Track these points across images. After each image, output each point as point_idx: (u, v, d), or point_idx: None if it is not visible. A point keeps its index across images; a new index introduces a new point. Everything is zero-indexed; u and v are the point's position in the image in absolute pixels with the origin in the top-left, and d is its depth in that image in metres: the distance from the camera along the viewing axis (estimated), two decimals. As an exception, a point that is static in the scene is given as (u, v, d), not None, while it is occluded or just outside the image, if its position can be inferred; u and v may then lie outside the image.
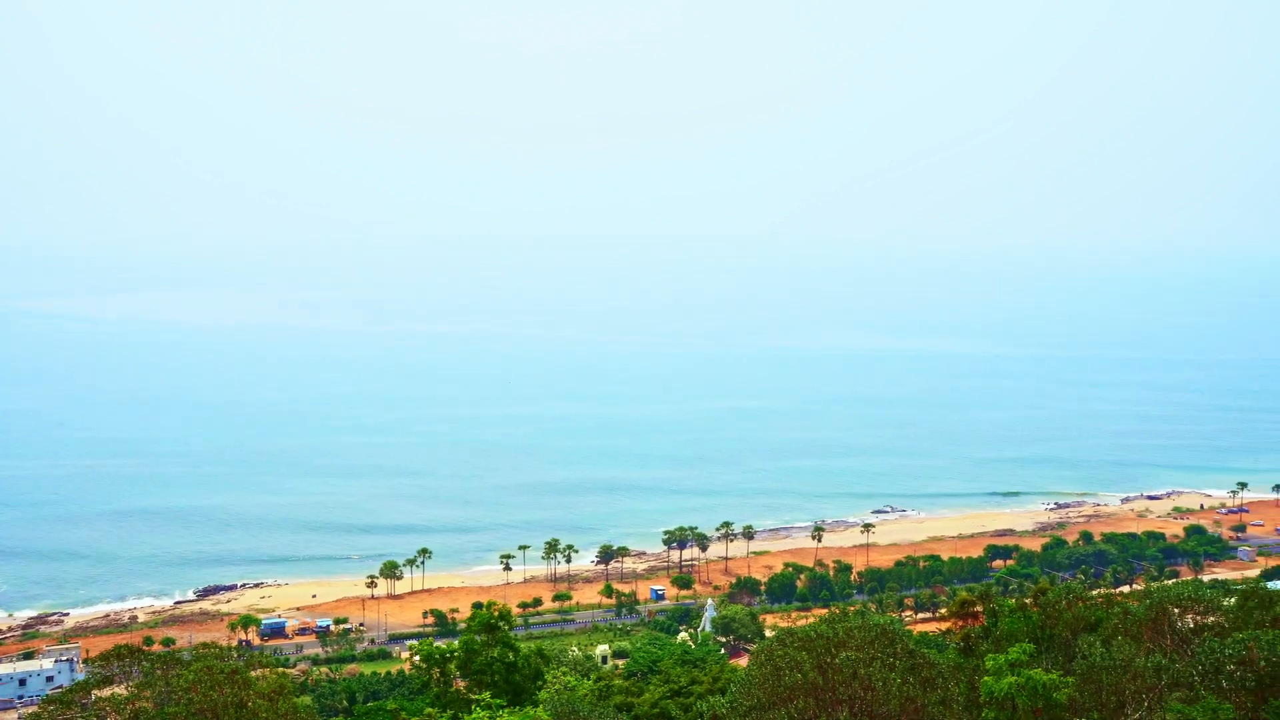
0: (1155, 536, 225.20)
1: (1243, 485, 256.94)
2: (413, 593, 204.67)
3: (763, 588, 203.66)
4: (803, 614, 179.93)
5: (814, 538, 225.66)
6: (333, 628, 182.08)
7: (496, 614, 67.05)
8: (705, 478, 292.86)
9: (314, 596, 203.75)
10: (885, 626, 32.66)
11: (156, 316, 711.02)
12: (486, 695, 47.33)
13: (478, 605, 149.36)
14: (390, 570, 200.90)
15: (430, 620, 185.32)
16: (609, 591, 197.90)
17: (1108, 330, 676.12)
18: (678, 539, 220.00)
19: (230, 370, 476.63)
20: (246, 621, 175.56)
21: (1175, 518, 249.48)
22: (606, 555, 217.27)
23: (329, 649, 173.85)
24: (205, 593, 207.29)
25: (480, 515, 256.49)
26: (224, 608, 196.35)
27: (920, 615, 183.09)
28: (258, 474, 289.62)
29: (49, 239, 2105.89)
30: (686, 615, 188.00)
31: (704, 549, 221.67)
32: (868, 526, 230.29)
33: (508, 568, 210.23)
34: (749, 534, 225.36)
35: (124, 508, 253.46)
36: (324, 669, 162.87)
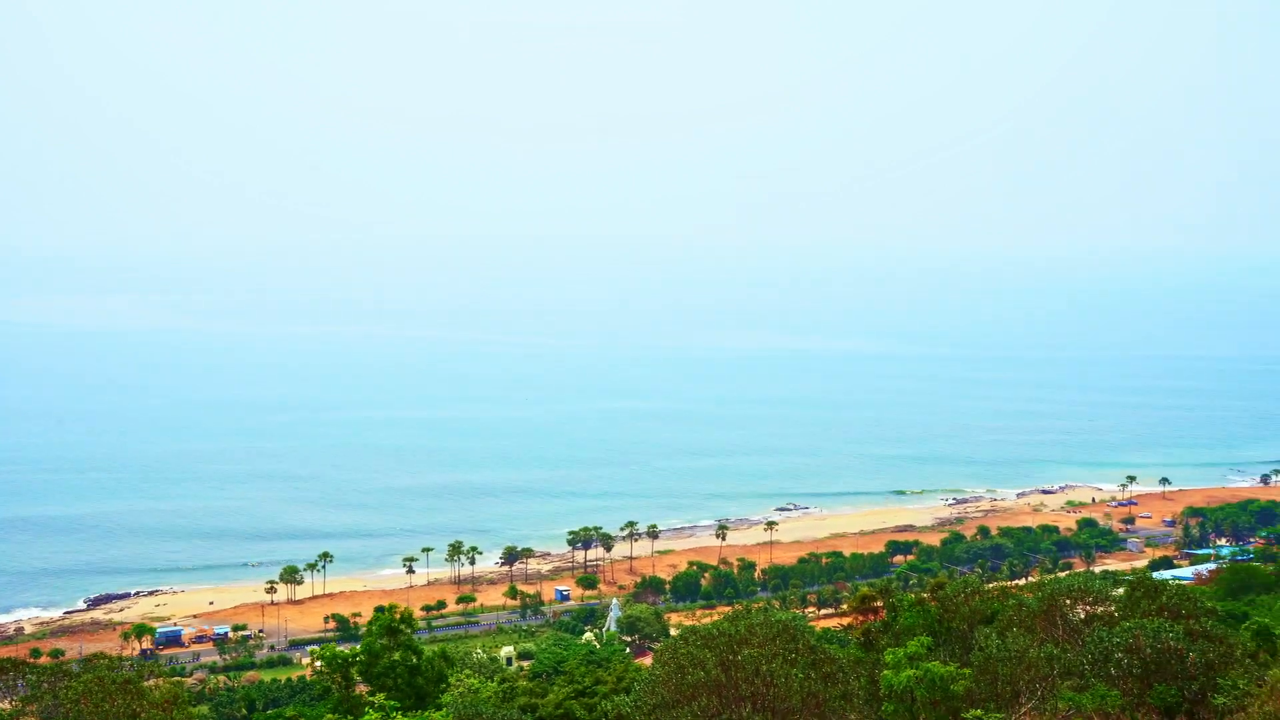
0: (1049, 530, 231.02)
1: (1131, 479, 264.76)
2: (314, 598, 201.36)
3: (667, 586, 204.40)
4: (707, 612, 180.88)
5: (718, 536, 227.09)
6: (231, 635, 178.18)
7: (398, 617, 66.37)
8: (609, 478, 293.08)
9: (211, 604, 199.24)
10: (787, 623, 32.94)
11: (67, 321, 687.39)
12: (380, 697, 46.79)
13: (380, 609, 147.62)
14: (290, 575, 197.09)
15: (332, 625, 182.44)
16: (514, 593, 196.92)
17: (1016, 332, 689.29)
18: (582, 539, 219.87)
19: (120, 376, 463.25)
20: (140, 630, 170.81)
21: (1068, 511, 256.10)
22: (511, 557, 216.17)
23: (227, 656, 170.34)
24: (96, 602, 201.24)
25: (381, 519, 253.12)
26: (117, 617, 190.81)
27: (823, 611, 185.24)
28: (147, 481, 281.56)
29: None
30: (592, 615, 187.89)
31: (609, 549, 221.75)
32: (771, 524, 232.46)
33: (411, 570, 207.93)
34: (653, 533, 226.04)
35: (5, 517, 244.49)
36: (222, 677, 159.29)
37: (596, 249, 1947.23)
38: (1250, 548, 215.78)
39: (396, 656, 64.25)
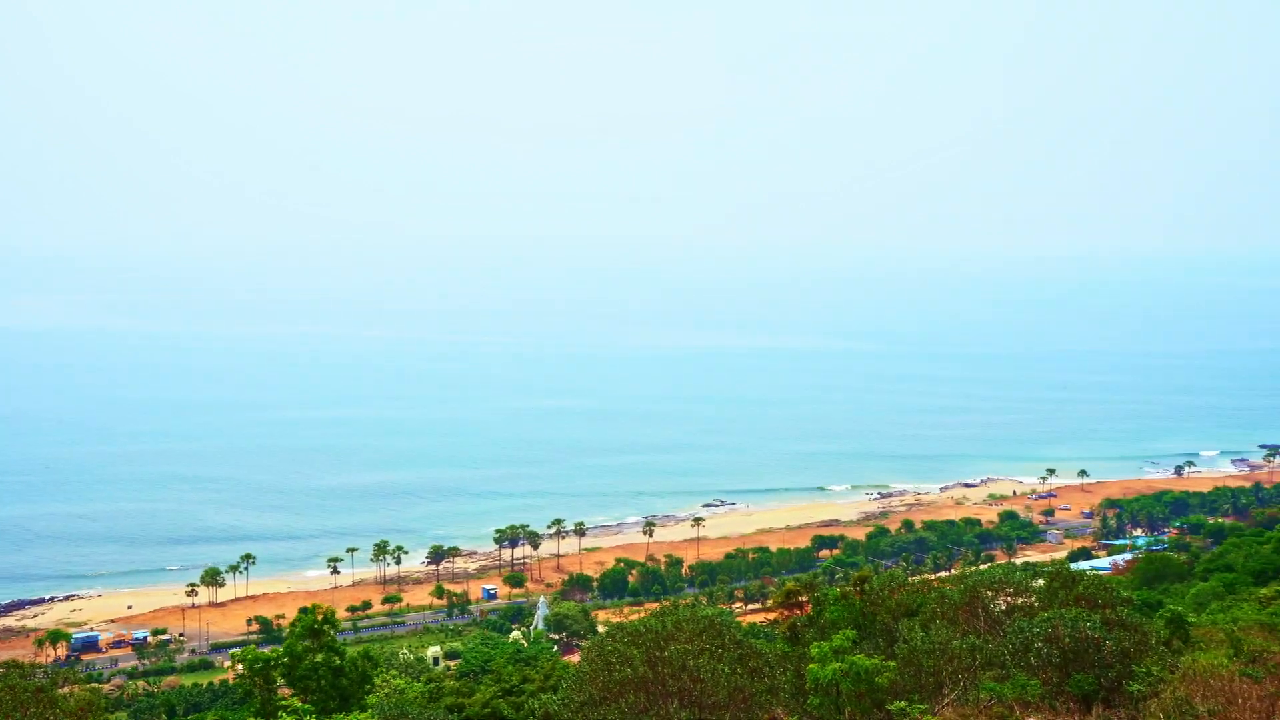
0: (972, 523, 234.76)
1: (1051, 472, 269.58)
2: (236, 600, 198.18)
3: (595, 584, 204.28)
4: (635, 609, 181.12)
5: (645, 533, 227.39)
6: (150, 639, 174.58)
7: (320, 618, 65.34)
8: (537, 476, 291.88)
9: (130, 608, 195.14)
10: (714, 618, 33.00)
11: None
12: (294, 701, 46.08)
13: (303, 610, 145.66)
14: (212, 577, 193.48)
15: (255, 627, 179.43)
16: (440, 592, 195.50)
17: (949, 329, 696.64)
18: (509, 537, 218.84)
19: (43, 377, 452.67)
20: (55, 637, 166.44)
21: (990, 504, 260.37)
22: (437, 556, 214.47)
23: (146, 661, 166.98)
24: (8, 608, 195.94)
25: (305, 520, 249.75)
26: (30, 623, 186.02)
27: (750, 606, 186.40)
28: (58, 485, 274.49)
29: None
30: (519, 614, 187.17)
31: (536, 547, 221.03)
32: (698, 520, 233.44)
33: (335, 571, 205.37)
34: (581, 531, 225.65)
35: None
36: (141, 683, 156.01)
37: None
38: (1164, 538, 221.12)
39: (319, 658, 63.29)
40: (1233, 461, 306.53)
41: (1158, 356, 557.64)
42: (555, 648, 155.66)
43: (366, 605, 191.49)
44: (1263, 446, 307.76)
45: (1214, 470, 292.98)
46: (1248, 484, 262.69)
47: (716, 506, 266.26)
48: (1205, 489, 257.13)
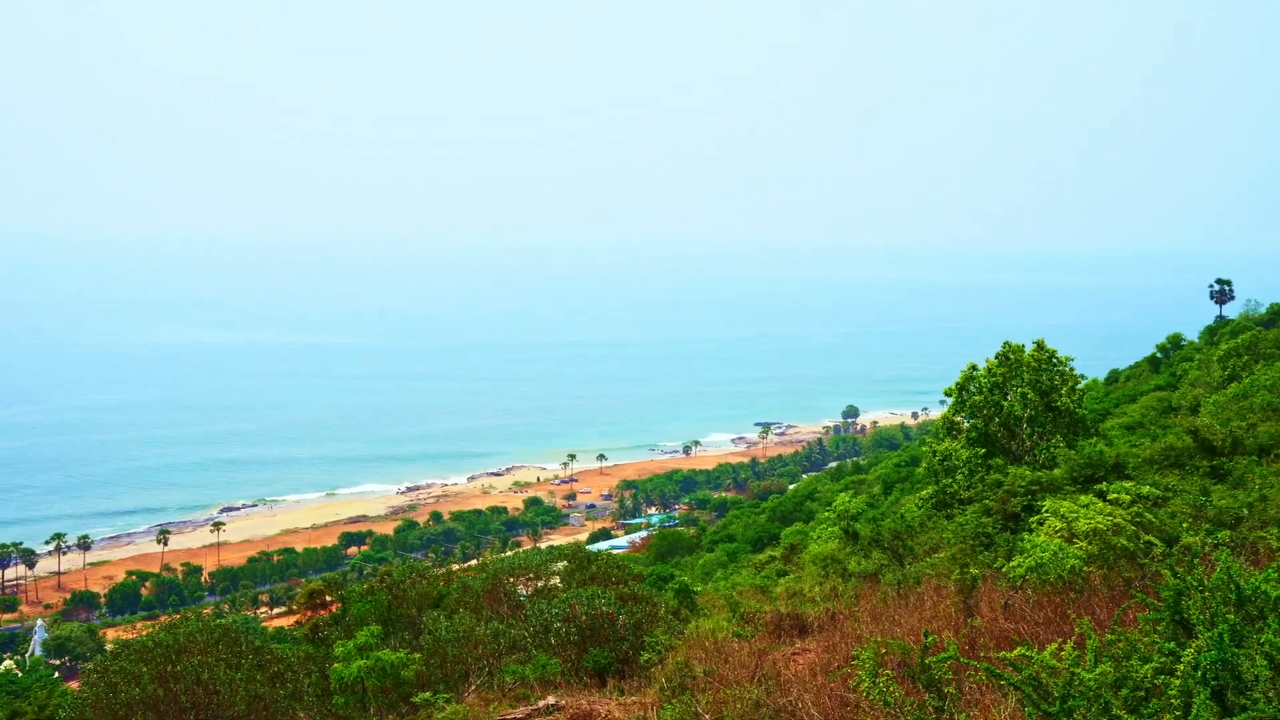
0: (499, 511, 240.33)
1: (572, 457, 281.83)
2: None
3: (103, 600, 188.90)
4: (149, 623, 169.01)
5: (159, 541, 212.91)
6: None
7: None
8: (29, 490, 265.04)
9: None
10: (229, 626, 31.29)
11: None
12: None
13: None
14: None
15: None
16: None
17: (480, 322, 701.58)
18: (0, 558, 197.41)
19: None
20: None
21: (516, 491, 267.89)
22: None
23: None
24: None
25: None
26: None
27: (276, 610, 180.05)
28: None
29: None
30: (12, 641, 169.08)
31: (31, 566, 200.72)
32: (218, 525, 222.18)
33: None
34: (85, 544, 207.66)
35: None
36: None
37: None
38: (676, 514, 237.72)
39: None
40: (733, 440, 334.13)
41: (667, 344, 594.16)
42: (56, 674, 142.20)
43: None
44: (758, 425, 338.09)
45: (718, 449, 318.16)
46: (746, 460, 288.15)
47: (237, 510, 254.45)
48: (710, 466, 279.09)
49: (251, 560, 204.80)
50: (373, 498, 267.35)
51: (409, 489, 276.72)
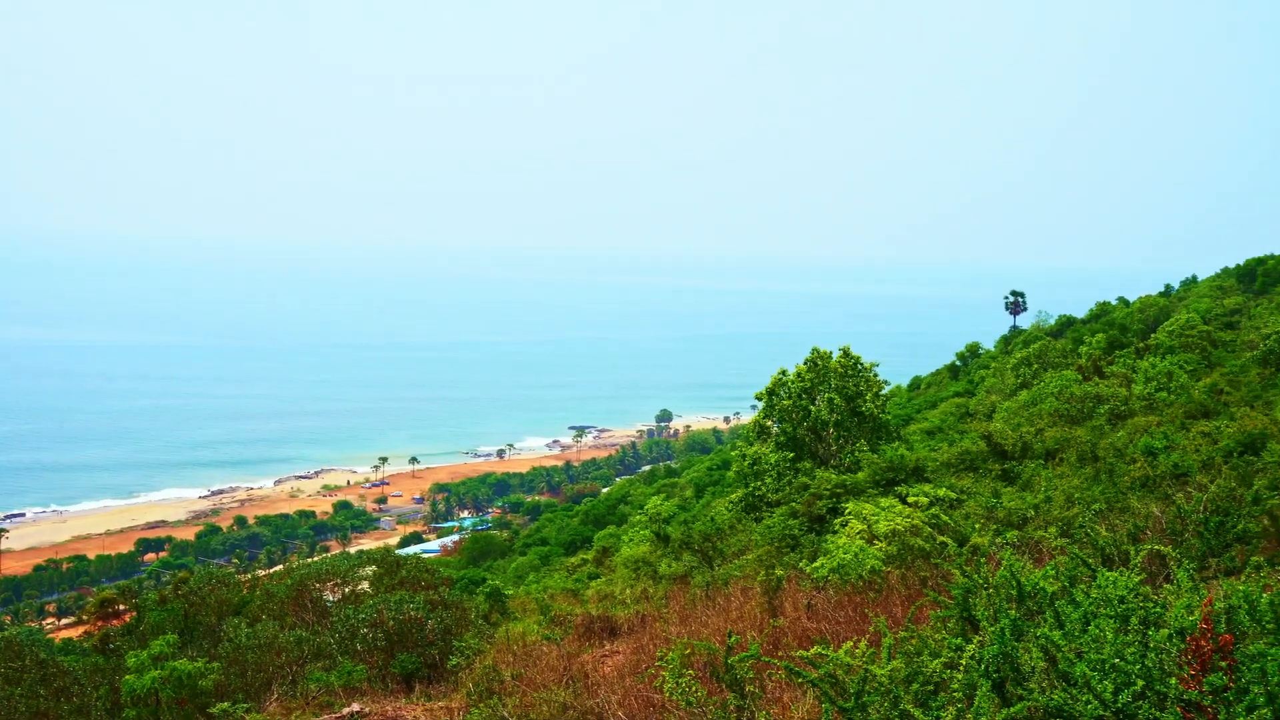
0: (307, 515, 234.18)
1: (384, 460, 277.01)
2: None
3: None
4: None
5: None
6: None
7: None
8: None
9: None
10: (10, 639, 29.61)
11: None
12: None
13: None
14: None
15: None
16: None
17: (308, 325, 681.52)
18: None
19: None
20: None
21: (325, 495, 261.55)
22: None
23: None
24: None
25: None
26: None
27: (65, 621, 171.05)
28: None
29: None
30: None
31: None
32: (0, 533, 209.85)
33: None
34: None
35: None
36: None
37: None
38: (489, 517, 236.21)
39: None
40: (548, 444, 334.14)
41: (483, 348, 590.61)
42: None
43: None
44: (572, 428, 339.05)
45: (533, 453, 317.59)
46: (561, 463, 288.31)
47: (20, 516, 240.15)
48: (525, 470, 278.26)
49: (38, 569, 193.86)
50: (174, 503, 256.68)
51: (213, 493, 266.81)
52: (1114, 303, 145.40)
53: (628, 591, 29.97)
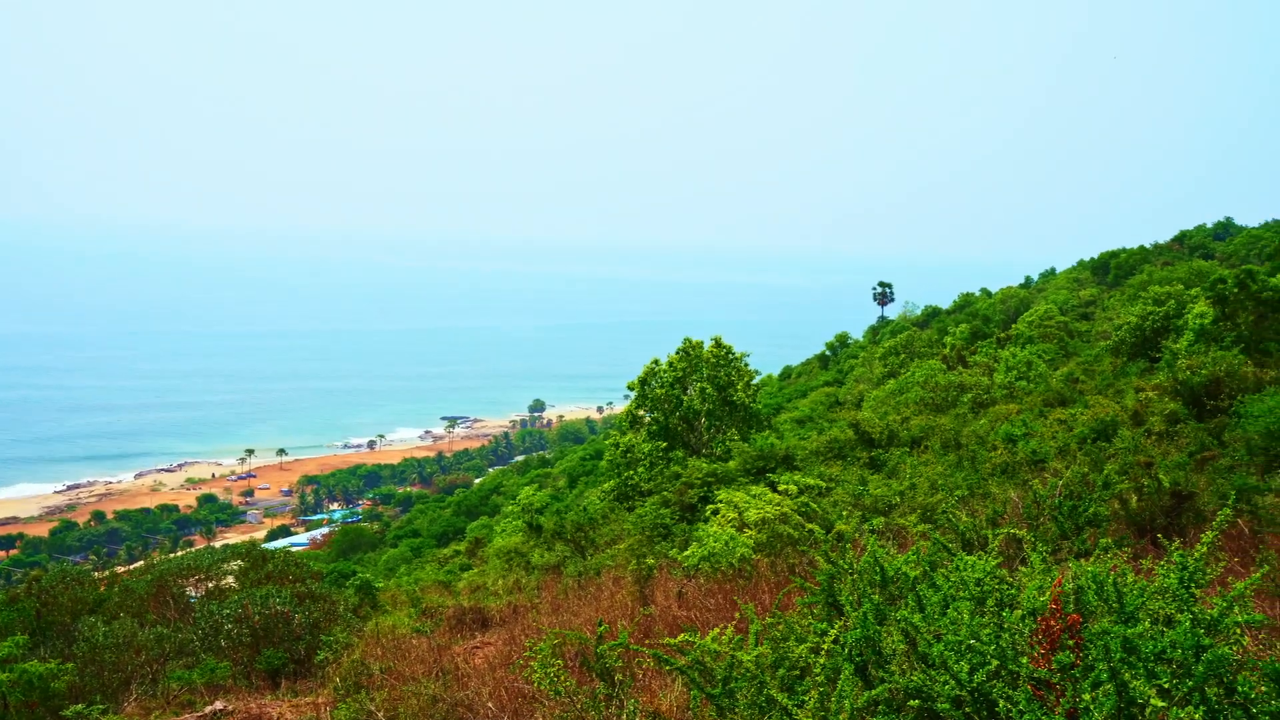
0: (169, 509, 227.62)
1: (250, 452, 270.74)
2: None
3: None
4: None
5: None
6: None
7: None
8: None
9: None
10: None
11: None
12: None
13: None
14: None
15: None
16: None
17: (163, 312, 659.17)
18: None
19: None
20: None
21: (188, 488, 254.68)
22: None
23: None
24: None
25: None
26: None
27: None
28: None
29: None
30: None
31: None
32: None
33: None
34: None
35: None
36: None
37: None
38: (360, 509, 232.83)
39: None
40: (420, 435, 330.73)
41: (351, 337, 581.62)
42: None
43: None
44: (444, 419, 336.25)
45: (404, 444, 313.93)
46: (433, 454, 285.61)
47: None
48: (396, 461, 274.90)
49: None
50: (26, 499, 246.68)
51: (68, 488, 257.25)
52: (977, 294, 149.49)
53: (500, 582, 29.86)
